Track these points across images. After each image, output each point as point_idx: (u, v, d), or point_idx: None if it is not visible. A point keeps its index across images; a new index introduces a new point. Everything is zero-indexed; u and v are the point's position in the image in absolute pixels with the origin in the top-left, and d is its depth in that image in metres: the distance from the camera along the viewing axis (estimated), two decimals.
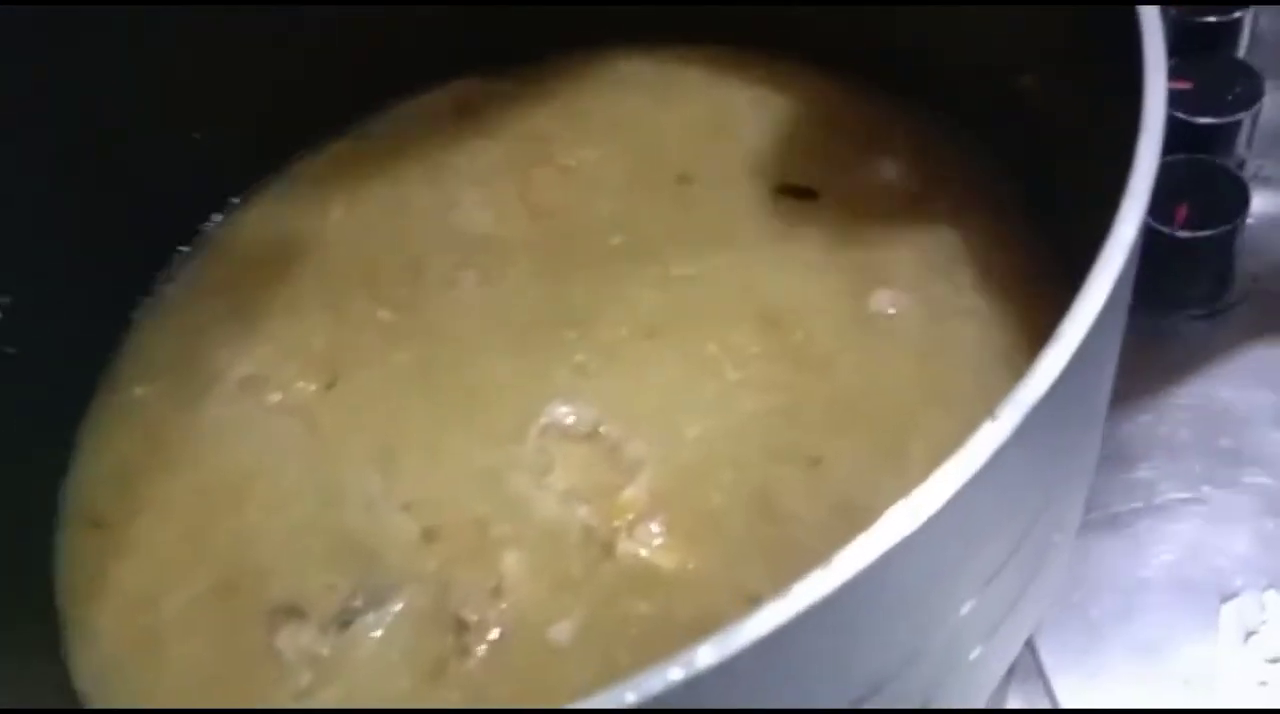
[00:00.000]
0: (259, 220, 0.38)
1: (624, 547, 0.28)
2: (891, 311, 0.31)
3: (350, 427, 0.33)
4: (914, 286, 0.32)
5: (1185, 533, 0.35)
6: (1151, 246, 0.39)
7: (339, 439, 0.32)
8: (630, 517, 0.29)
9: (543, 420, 0.31)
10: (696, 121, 0.37)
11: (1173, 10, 0.43)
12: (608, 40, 0.40)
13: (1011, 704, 0.33)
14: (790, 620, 0.17)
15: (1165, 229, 0.38)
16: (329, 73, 0.38)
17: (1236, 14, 0.43)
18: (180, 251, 0.38)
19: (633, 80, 0.39)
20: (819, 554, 0.28)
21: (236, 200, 0.39)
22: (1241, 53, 0.44)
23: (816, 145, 0.36)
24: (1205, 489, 0.36)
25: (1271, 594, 0.34)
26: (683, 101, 0.38)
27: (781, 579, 0.28)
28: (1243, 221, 0.38)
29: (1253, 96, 0.40)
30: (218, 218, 0.38)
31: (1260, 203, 0.41)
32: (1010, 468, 0.19)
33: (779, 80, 0.38)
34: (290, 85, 0.38)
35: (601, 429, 0.31)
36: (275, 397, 0.34)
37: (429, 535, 0.30)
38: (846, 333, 0.31)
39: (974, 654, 0.24)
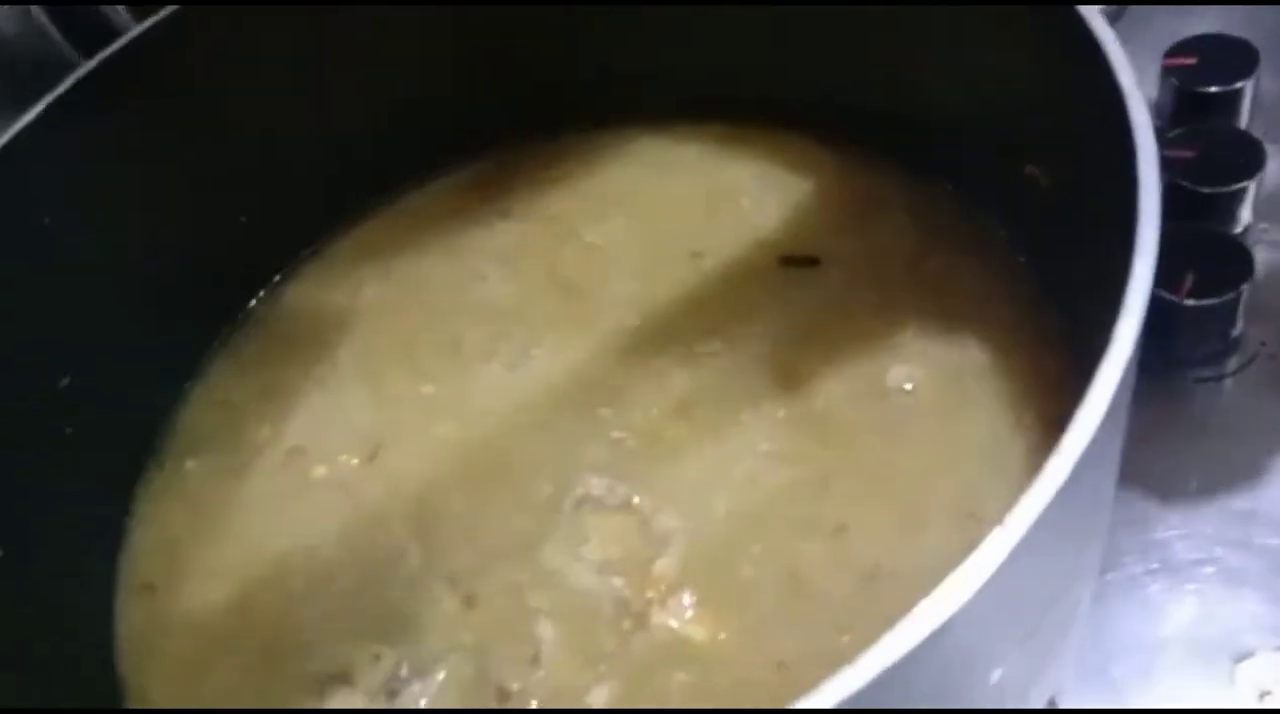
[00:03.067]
0: (296, 299, 0.40)
1: (657, 618, 0.30)
2: (908, 386, 0.33)
3: (391, 497, 0.34)
4: (922, 355, 0.33)
5: (1200, 593, 0.36)
6: (1160, 314, 0.40)
7: (380, 511, 0.34)
8: (662, 588, 0.30)
9: (578, 491, 0.33)
10: (703, 197, 0.39)
11: (1174, 79, 0.45)
12: (616, 120, 0.42)
13: None
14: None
15: (1173, 297, 0.39)
16: (358, 155, 0.40)
17: (1238, 84, 0.44)
18: (225, 329, 0.39)
19: (642, 159, 0.41)
20: (846, 624, 0.30)
21: (277, 278, 0.41)
22: (1244, 121, 0.45)
23: (817, 214, 0.38)
24: (1218, 550, 0.37)
25: None
26: (690, 179, 0.40)
27: (811, 649, 0.29)
28: (1247, 288, 0.39)
29: (1255, 165, 0.42)
30: (259, 297, 0.40)
31: (1266, 266, 0.42)
32: (1033, 550, 0.20)
33: (779, 154, 0.40)
34: (321, 169, 0.40)
35: (635, 501, 0.32)
36: (319, 470, 0.35)
37: (468, 603, 0.31)
38: (865, 407, 0.33)
39: None
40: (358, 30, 0.38)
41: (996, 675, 0.24)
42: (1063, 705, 0.35)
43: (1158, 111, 0.47)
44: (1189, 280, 0.39)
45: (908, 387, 0.33)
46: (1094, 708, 0.35)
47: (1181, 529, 0.38)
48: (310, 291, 0.40)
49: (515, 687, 0.29)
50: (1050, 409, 0.31)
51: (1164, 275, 0.40)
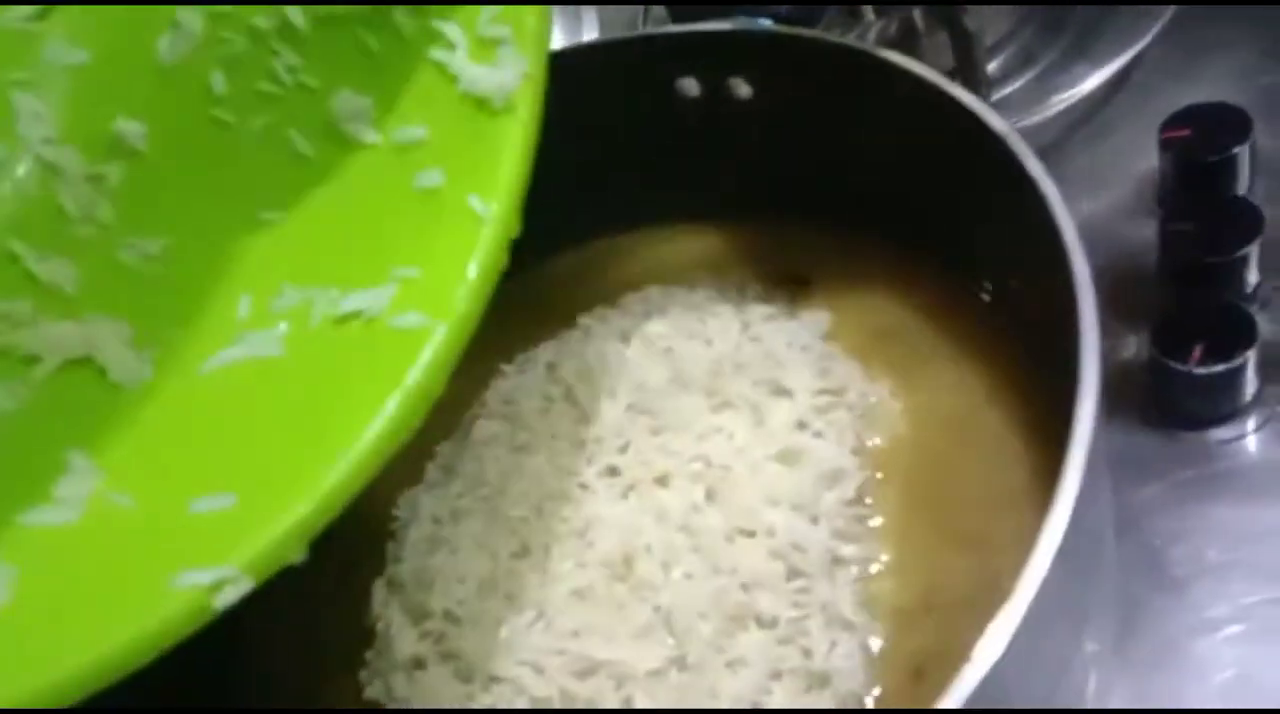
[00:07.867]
0: None
1: None
2: None
3: None
4: None
5: (1239, 656, 0.38)
6: (1172, 380, 0.42)
7: None
8: None
9: None
10: None
11: (1171, 153, 0.47)
12: None
13: None
14: None
15: (1182, 367, 0.41)
16: None
17: (1234, 151, 0.46)
18: None
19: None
20: None
21: None
22: (1243, 186, 0.47)
23: None
24: (1255, 610, 0.39)
25: None
26: None
27: None
28: (1254, 353, 0.41)
29: (1254, 231, 0.44)
30: None
31: (1274, 325, 0.44)
32: None
33: None
34: None
35: None
36: None
37: None
38: None
39: None
40: None
41: None
42: None
43: (1161, 181, 0.49)
44: (1197, 350, 0.41)
45: None
46: (1119, 708, 0.36)
47: (1218, 590, 0.39)
48: None
49: None
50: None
51: (1174, 346, 0.42)
